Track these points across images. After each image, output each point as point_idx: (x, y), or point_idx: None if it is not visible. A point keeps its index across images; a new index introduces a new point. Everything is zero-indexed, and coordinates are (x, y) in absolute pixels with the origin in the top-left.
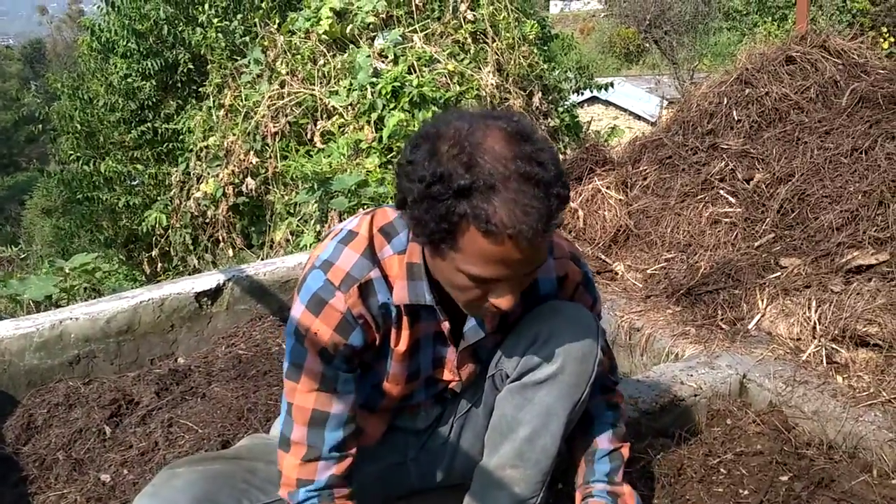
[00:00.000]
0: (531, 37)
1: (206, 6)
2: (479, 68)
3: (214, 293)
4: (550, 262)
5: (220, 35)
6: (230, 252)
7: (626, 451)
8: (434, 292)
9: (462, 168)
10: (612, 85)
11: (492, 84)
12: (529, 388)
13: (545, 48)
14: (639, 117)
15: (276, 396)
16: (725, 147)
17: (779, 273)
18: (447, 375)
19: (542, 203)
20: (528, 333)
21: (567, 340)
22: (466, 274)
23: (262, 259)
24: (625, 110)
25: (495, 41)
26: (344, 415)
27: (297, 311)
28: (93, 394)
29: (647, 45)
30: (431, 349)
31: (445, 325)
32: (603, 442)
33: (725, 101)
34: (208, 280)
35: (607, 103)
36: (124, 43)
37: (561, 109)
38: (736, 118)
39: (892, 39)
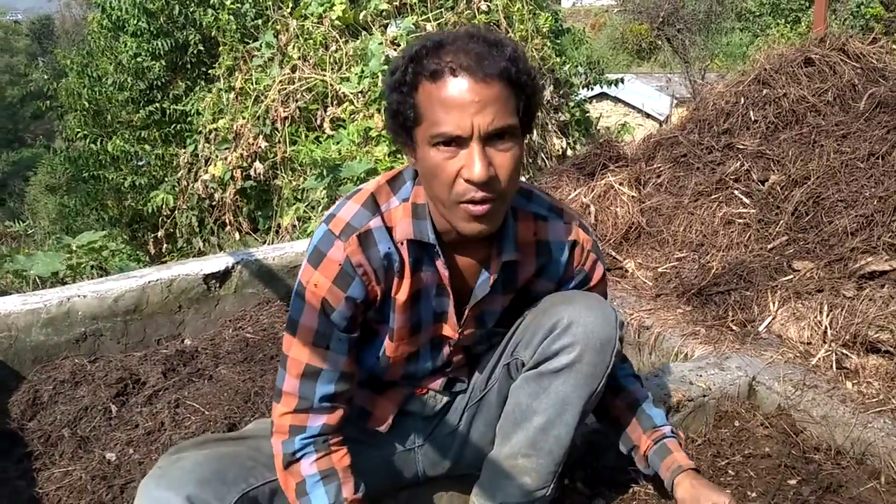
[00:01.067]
0: (544, 29)
1: None
2: None
3: (223, 276)
4: (562, 225)
5: (231, 17)
6: (236, 236)
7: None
8: (437, 234)
9: (419, 45)
10: (622, 81)
11: None
12: (546, 376)
13: (558, 42)
14: (648, 115)
15: None
16: (741, 147)
17: (791, 276)
18: (447, 331)
19: (485, 49)
20: (546, 321)
21: (587, 329)
22: (432, 140)
23: (268, 244)
24: (634, 107)
25: (508, 32)
26: (336, 372)
27: (302, 265)
28: (99, 372)
29: (659, 42)
30: (432, 300)
31: (444, 273)
32: (640, 391)
33: (742, 101)
34: (217, 262)
35: (616, 100)
36: (135, 22)
37: (572, 104)
38: (752, 118)
39: None
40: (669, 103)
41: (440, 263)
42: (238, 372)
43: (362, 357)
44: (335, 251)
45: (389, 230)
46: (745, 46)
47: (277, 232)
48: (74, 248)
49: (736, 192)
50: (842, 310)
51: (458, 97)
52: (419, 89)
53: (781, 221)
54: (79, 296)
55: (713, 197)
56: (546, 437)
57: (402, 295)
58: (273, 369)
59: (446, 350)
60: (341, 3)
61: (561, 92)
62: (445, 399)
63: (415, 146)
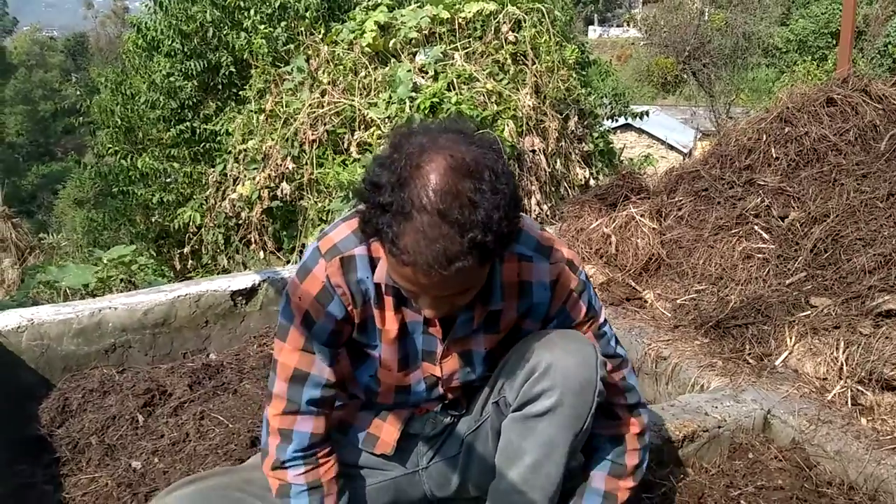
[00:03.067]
0: (571, 61)
1: (252, 12)
2: (518, 89)
3: (249, 293)
4: (546, 266)
5: (264, 41)
6: (261, 254)
7: (622, 494)
8: None
9: (391, 186)
10: (647, 114)
11: (529, 105)
12: (531, 419)
13: (583, 73)
14: (672, 147)
15: None
16: (762, 183)
17: (809, 312)
18: (437, 371)
19: (449, 242)
20: (526, 362)
21: (566, 372)
22: (405, 277)
23: (292, 263)
24: (658, 139)
25: (535, 63)
26: (322, 378)
27: (292, 276)
28: (127, 382)
29: (685, 76)
30: (420, 336)
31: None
32: (597, 480)
33: (764, 138)
34: (244, 279)
35: (640, 131)
36: (169, 42)
37: (595, 134)
38: (774, 155)
39: None
40: (693, 136)
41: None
42: (261, 387)
43: (357, 373)
44: (319, 268)
45: (373, 260)
46: (770, 82)
47: (301, 252)
48: (105, 262)
49: (756, 227)
50: (858, 347)
51: (416, 281)
52: (382, 240)
53: (800, 258)
54: (110, 307)
55: (733, 231)
56: (537, 476)
57: (388, 327)
58: None
59: (441, 388)
60: (372, 31)
61: (585, 122)
62: (447, 420)
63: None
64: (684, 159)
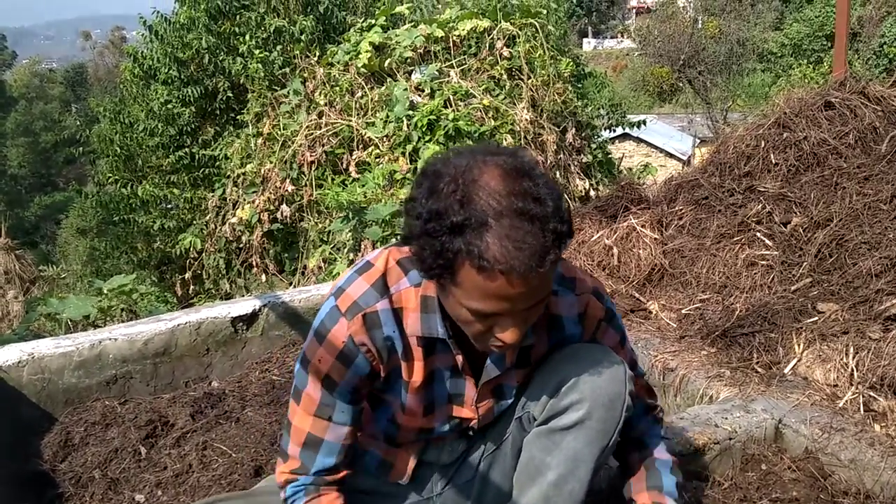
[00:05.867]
0: (566, 74)
1: (248, 37)
2: (514, 104)
3: (250, 318)
4: (573, 298)
5: (260, 65)
6: (263, 277)
7: (678, 468)
8: (448, 325)
9: (457, 205)
10: (644, 123)
11: (526, 119)
12: (556, 432)
13: (579, 85)
14: (670, 155)
15: None
16: (762, 190)
17: (816, 318)
18: (465, 413)
19: (535, 239)
20: (554, 376)
21: (595, 385)
22: (468, 309)
23: (294, 285)
24: (656, 148)
25: (531, 78)
26: (337, 444)
27: (309, 336)
28: (129, 414)
29: (681, 84)
30: (447, 382)
31: (459, 359)
32: (662, 453)
33: (763, 144)
34: (244, 305)
35: (638, 140)
36: (166, 70)
37: (594, 146)
38: (773, 161)
39: None
40: (692, 143)
41: (455, 353)
42: (264, 414)
43: (375, 418)
44: (339, 329)
45: (396, 312)
46: (766, 87)
47: (303, 273)
48: (105, 292)
49: (758, 234)
50: (868, 352)
51: (506, 294)
52: (461, 266)
53: (805, 263)
54: (110, 339)
55: (735, 239)
56: (560, 493)
57: (416, 378)
58: None
59: (461, 422)
60: (367, 52)
61: (583, 134)
62: (462, 446)
63: (439, 287)
64: (683, 167)
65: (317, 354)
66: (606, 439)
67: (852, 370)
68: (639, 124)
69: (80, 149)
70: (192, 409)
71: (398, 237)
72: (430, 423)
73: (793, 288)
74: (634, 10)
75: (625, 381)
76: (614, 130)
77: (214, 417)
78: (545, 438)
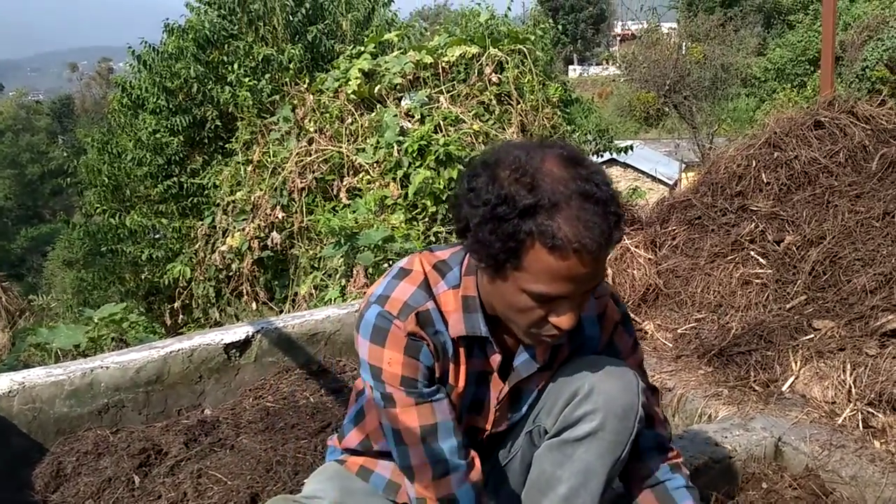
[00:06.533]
0: (554, 99)
1: (236, 66)
2: (504, 129)
3: (243, 345)
4: (592, 300)
5: (248, 93)
6: (253, 305)
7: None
8: (487, 325)
9: (525, 189)
10: (631, 148)
11: None
12: (569, 444)
13: (567, 111)
14: (657, 180)
15: (305, 450)
16: (755, 209)
17: (812, 335)
18: (479, 422)
19: (602, 219)
20: (567, 387)
21: (608, 396)
22: (531, 293)
23: (285, 312)
24: (643, 173)
25: (519, 103)
26: (449, 421)
27: (364, 347)
28: (121, 443)
29: (667, 109)
30: (474, 388)
31: (496, 359)
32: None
33: (754, 164)
34: (238, 332)
35: (626, 165)
36: (154, 100)
37: None
38: (765, 180)
39: None
40: (678, 168)
41: (493, 353)
42: (259, 441)
43: None
44: (396, 328)
45: (442, 313)
46: (751, 111)
47: (294, 301)
48: (96, 321)
49: (752, 252)
50: (865, 368)
51: (574, 273)
52: (530, 248)
53: (799, 281)
54: (102, 367)
55: (729, 258)
56: None
57: (460, 383)
58: (294, 438)
59: (476, 433)
60: (356, 79)
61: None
62: None
63: (498, 274)
64: (670, 191)
65: (385, 358)
66: (619, 451)
67: (850, 387)
68: (626, 150)
69: (68, 180)
70: (186, 436)
71: (396, 258)
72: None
73: (788, 306)
74: (619, 38)
75: (638, 392)
76: (601, 156)
77: (209, 445)
78: (557, 451)
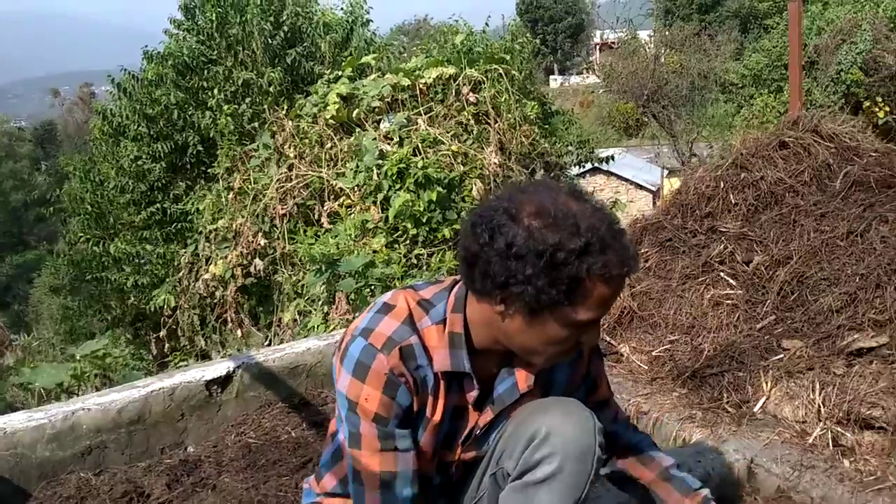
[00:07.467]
0: (532, 116)
1: (216, 91)
2: (482, 148)
3: (224, 381)
4: None
5: (229, 118)
6: (238, 332)
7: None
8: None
9: (570, 233)
10: (612, 158)
11: (495, 163)
12: (531, 486)
13: (546, 125)
14: (640, 187)
15: (286, 487)
16: (724, 230)
17: (781, 355)
18: (448, 457)
19: (629, 243)
20: (526, 430)
21: (565, 439)
22: (576, 323)
23: (270, 339)
24: (626, 180)
25: (497, 122)
26: (409, 471)
27: (344, 380)
28: (104, 486)
29: (646, 118)
30: (448, 423)
31: (473, 395)
32: (666, 459)
33: (722, 185)
34: (218, 368)
35: (609, 173)
36: (135, 127)
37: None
38: (733, 201)
39: (886, 109)
40: (660, 174)
41: (471, 389)
42: (241, 480)
43: None
44: (379, 363)
45: (426, 348)
46: (730, 116)
47: (279, 326)
48: (78, 358)
49: (722, 273)
50: (833, 387)
51: (615, 296)
52: (587, 284)
53: (768, 301)
54: (83, 409)
55: (700, 279)
56: None
57: (437, 416)
58: (276, 475)
59: (453, 471)
60: (335, 103)
61: (552, 174)
62: (442, 502)
63: (538, 316)
64: (654, 197)
65: (362, 394)
66: (578, 492)
67: (819, 406)
68: (607, 159)
69: (51, 208)
70: (168, 477)
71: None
72: (432, 469)
73: (758, 326)
74: (597, 47)
75: (594, 433)
76: (584, 166)
77: (191, 486)
78: (519, 493)
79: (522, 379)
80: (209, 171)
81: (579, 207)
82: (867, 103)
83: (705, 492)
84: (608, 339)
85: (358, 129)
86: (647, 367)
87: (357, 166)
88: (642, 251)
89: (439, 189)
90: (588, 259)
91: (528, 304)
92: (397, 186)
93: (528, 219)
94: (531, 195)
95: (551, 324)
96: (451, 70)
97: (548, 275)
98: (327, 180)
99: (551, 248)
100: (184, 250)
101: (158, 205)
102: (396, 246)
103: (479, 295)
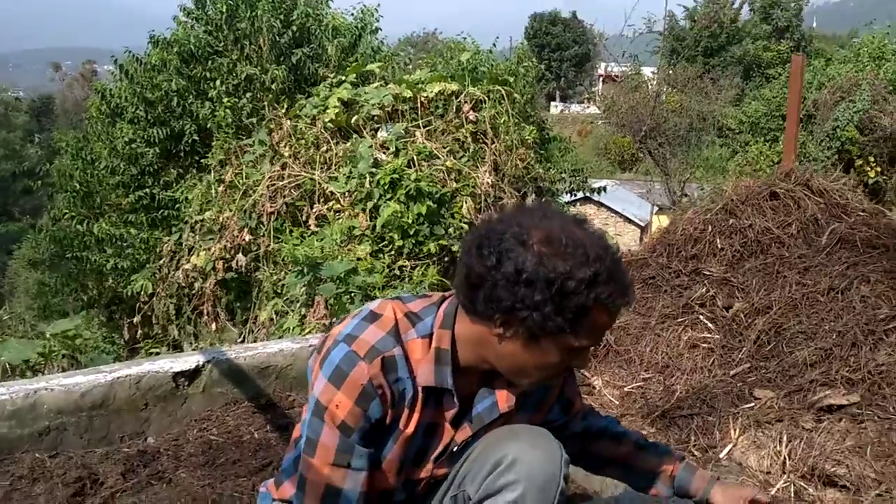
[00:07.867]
0: (529, 140)
1: (218, 83)
2: (477, 167)
3: (192, 374)
4: None
5: (228, 111)
6: (213, 326)
7: None
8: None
9: (580, 262)
10: (605, 189)
11: (487, 183)
12: None
13: (543, 150)
14: (629, 221)
15: (243, 488)
16: (707, 273)
17: (752, 404)
18: (417, 474)
19: (627, 273)
20: (492, 456)
21: (529, 467)
22: (576, 349)
23: (244, 336)
24: (616, 213)
25: (494, 142)
26: (356, 492)
27: (320, 384)
28: (58, 469)
29: (642, 154)
30: (421, 438)
31: (451, 412)
32: (635, 433)
33: (710, 229)
34: (188, 360)
35: (599, 204)
36: (133, 109)
37: None
38: (719, 246)
39: (878, 169)
40: (650, 210)
41: (450, 406)
42: (198, 476)
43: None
44: (359, 371)
45: (408, 360)
46: (724, 160)
47: (255, 324)
48: (48, 336)
49: (701, 316)
50: (801, 441)
51: (611, 324)
52: (593, 312)
53: (744, 348)
54: (46, 388)
55: (679, 320)
56: None
57: (409, 429)
58: (234, 475)
59: (419, 488)
60: (335, 107)
61: (543, 200)
62: None
63: (536, 342)
64: (642, 232)
65: (334, 400)
66: None
67: (785, 458)
68: (599, 190)
69: (39, 182)
70: (124, 466)
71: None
72: (396, 482)
73: (732, 372)
74: (601, 78)
75: (560, 463)
76: (575, 194)
77: (146, 477)
78: None
79: (503, 399)
80: (202, 161)
81: (585, 235)
82: (860, 162)
83: (679, 454)
84: (581, 370)
85: (355, 136)
86: (618, 402)
87: (350, 172)
88: None
89: (430, 203)
90: (596, 289)
91: (531, 330)
92: (388, 196)
93: (537, 245)
94: (539, 220)
95: (549, 349)
96: (453, 86)
97: (556, 302)
98: (319, 183)
99: (562, 277)
100: (168, 238)
101: (147, 189)
102: (381, 255)
103: (477, 316)
